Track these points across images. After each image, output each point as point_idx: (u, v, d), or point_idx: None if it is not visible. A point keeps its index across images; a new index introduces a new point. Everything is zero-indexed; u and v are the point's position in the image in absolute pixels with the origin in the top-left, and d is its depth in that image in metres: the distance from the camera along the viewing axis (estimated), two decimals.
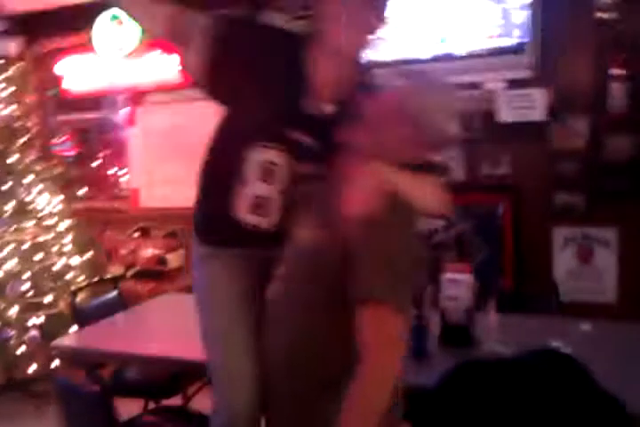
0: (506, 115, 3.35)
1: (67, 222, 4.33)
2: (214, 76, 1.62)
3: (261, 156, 1.62)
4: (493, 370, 1.69)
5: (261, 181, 1.64)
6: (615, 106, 3.31)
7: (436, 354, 2.21)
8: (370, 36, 1.59)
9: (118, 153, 4.92)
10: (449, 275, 2.36)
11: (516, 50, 3.36)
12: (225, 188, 1.67)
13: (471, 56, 3.46)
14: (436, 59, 3.54)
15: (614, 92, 3.30)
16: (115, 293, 3.39)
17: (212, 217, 1.75)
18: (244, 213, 1.67)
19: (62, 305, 4.06)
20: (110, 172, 4.96)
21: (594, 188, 3.40)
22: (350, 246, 1.39)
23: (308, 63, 1.60)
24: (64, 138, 5.10)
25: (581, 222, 3.45)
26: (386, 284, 1.36)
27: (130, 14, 1.81)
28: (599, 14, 3.31)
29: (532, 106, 3.31)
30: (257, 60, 1.59)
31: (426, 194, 1.53)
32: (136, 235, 4.74)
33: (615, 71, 3.29)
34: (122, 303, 3.32)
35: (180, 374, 2.96)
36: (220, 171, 1.70)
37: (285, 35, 1.66)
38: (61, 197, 4.38)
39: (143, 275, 4.63)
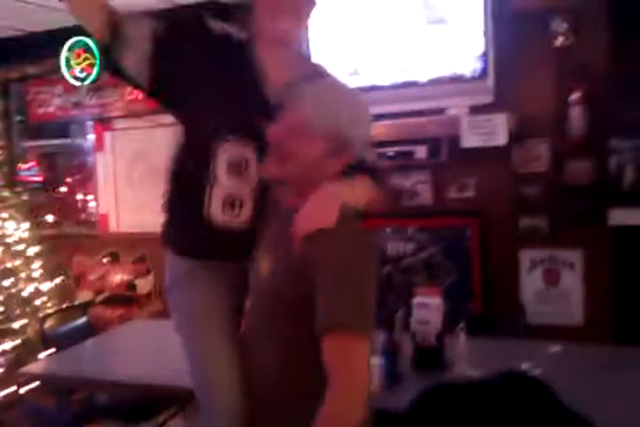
0: (469, 140, 3.42)
1: (35, 248, 4.30)
2: (164, 82, 1.62)
3: (230, 151, 1.60)
4: (463, 393, 1.72)
5: (232, 178, 1.62)
6: (575, 130, 3.40)
7: (409, 377, 2.24)
8: (304, 20, 1.65)
9: (86, 178, 4.90)
10: (419, 298, 2.40)
11: (477, 76, 3.44)
12: (196, 190, 1.64)
13: (433, 83, 3.54)
14: (397, 86, 3.61)
15: (574, 116, 3.39)
16: (84, 319, 3.37)
17: (185, 224, 1.71)
18: (216, 212, 1.63)
19: (31, 332, 4.01)
20: (78, 197, 4.93)
21: (557, 210, 3.48)
22: (312, 274, 1.37)
23: (255, 56, 1.65)
24: (30, 164, 5.07)
25: (547, 245, 3.52)
26: (354, 311, 1.35)
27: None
28: (556, 40, 3.42)
29: (495, 131, 3.38)
30: (208, 60, 1.62)
31: (357, 197, 1.54)
32: (105, 260, 4.71)
33: (574, 96, 3.39)
34: (91, 329, 3.30)
35: (152, 400, 2.94)
36: (189, 174, 1.67)
37: (229, 33, 1.68)
38: (28, 223, 4.34)
39: (112, 300, 4.60)
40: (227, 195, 1.63)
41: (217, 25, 1.69)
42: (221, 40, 1.66)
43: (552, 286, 3.53)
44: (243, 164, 1.61)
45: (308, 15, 1.66)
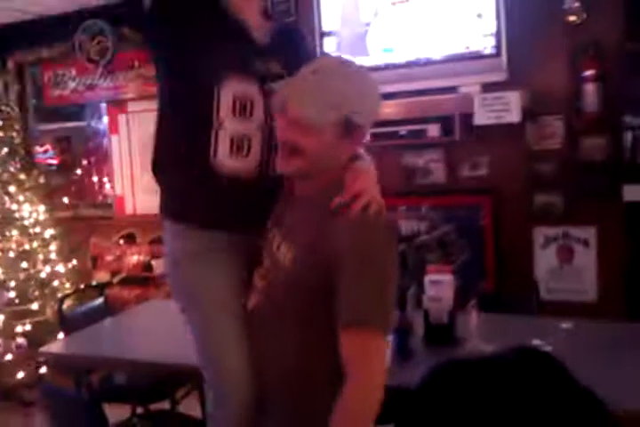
0: (482, 118, 3.40)
1: (51, 231, 4.35)
2: (172, 14, 1.59)
3: (233, 88, 1.56)
4: (474, 368, 1.73)
5: (237, 118, 1.57)
6: (589, 107, 3.37)
7: (421, 353, 2.26)
8: None
9: (101, 161, 4.93)
10: (431, 276, 2.41)
11: (490, 54, 3.42)
12: (199, 137, 1.58)
13: (445, 61, 3.52)
14: (410, 64, 3.60)
15: (587, 93, 3.36)
16: (101, 299, 3.40)
17: (191, 181, 1.63)
18: (223, 156, 1.58)
19: (49, 313, 4.08)
20: (94, 179, 4.97)
21: (571, 187, 3.46)
22: (336, 266, 1.36)
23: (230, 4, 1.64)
24: (46, 147, 5.11)
25: (561, 222, 3.51)
26: (375, 308, 1.36)
27: None
28: (569, 17, 3.38)
29: (508, 108, 3.36)
30: (203, 10, 1.61)
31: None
32: (121, 242, 4.75)
33: (588, 73, 3.35)
34: (108, 310, 3.34)
35: (168, 379, 2.98)
36: (188, 122, 1.61)
37: None
38: (44, 206, 4.39)
39: (129, 281, 4.65)
40: (233, 135, 1.58)
41: None
42: None
43: (566, 262, 3.52)
44: (248, 102, 1.57)
45: None
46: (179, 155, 1.65)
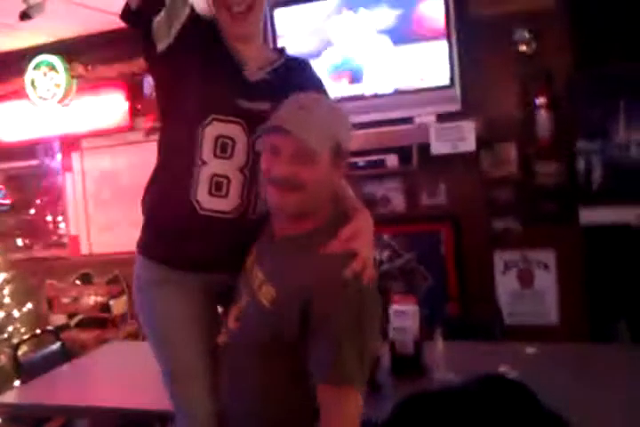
0: (439, 147, 3.45)
1: (4, 274, 4.22)
2: (174, 51, 1.59)
3: (216, 130, 1.58)
4: (441, 400, 1.71)
5: (218, 158, 1.58)
6: (542, 133, 3.45)
7: (388, 386, 2.23)
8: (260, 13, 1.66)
9: (55, 200, 4.84)
10: (396, 307, 2.39)
11: (443, 85, 3.48)
12: (181, 174, 1.59)
13: (400, 92, 3.58)
14: (366, 97, 3.65)
15: (540, 120, 3.44)
16: (58, 344, 3.30)
17: (168, 218, 1.64)
18: (202, 195, 1.58)
19: (3, 360, 3.93)
20: (48, 219, 4.87)
21: (528, 212, 3.52)
22: (318, 319, 1.37)
23: (226, 41, 1.65)
24: None
25: (520, 246, 3.55)
26: (357, 369, 1.37)
27: None
28: (520, 47, 3.47)
29: (463, 137, 3.42)
30: (204, 48, 1.62)
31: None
32: (78, 282, 4.64)
33: (540, 100, 3.43)
34: (66, 354, 3.23)
35: (130, 425, 2.88)
36: (173, 161, 1.64)
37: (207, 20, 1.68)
38: None
39: (87, 323, 4.54)
40: (213, 174, 1.58)
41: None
42: (208, 25, 1.66)
43: (527, 286, 3.56)
44: (229, 142, 1.58)
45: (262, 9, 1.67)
46: (161, 190, 1.68)
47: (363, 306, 1.39)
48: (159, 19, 1.55)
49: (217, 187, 1.59)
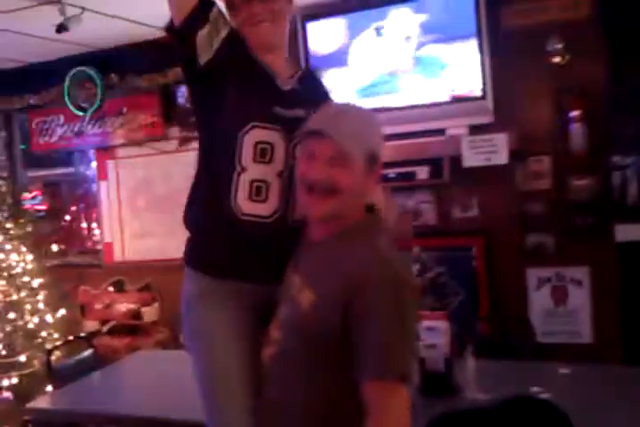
0: (471, 160, 3.43)
1: (40, 280, 4.29)
2: (214, 66, 1.64)
3: (256, 137, 1.62)
4: (472, 420, 1.70)
5: (257, 164, 1.62)
6: (576, 147, 3.40)
7: (417, 405, 2.20)
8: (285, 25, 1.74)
9: (90, 207, 4.91)
10: (426, 323, 2.37)
11: (476, 97, 3.46)
12: (222, 180, 1.63)
13: (433, 104, 3.57)
14: (399, 107, 3.64)
15: (574, 133, 3.39)
16: (90, 351, 3.34)
17: (211, 226, 1.68)
18: (242, 200, 1.62)
19: (36, 365, 3.99)
20: (83, 226, 4.94)
21: (562, 227, 3.46)
22: (359, 317, 1.38)
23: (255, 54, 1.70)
24: (35, 193, 5.09)
25: (553, 262, 3.50)
26: (401, 363, 1.38)
27: None
28: (553, 59, 3.43)
29: (495, 150, 3.39)
30: (240, 61, 1.68)
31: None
32: (110, 289, 4.69)
33: (573, 114, 3.39)
34: (97, 361, 3.27)
35: None
36: (215, 171, 1.67)
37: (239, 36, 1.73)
38: (33, 254, 4.34)
39: (119, 330, 4.57)
40: (252, 180, 1.62)
41: None
42: (240, 40, 1.72)
43: (560, 303, 3.50)
44: (268, 148, 1.63)
45: (287, 20, 1.74)
46: (203, 198, 1.71)
47: (403, 301, 1.39)
48: (202, 34, 1.59)
49: (257, 192, 1.63)
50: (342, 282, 1.40)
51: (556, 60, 3.42)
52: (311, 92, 1.75)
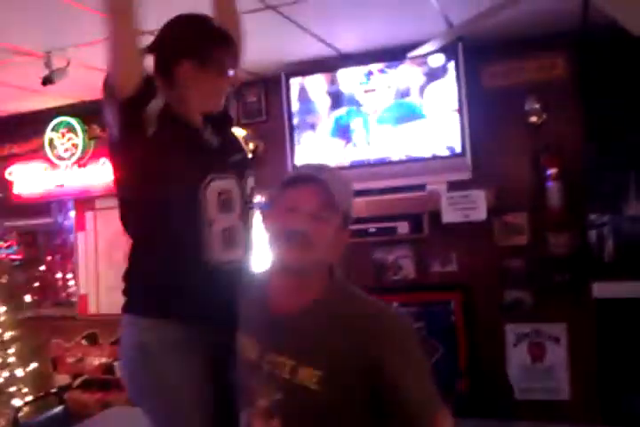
0: (450, 216, 3.46)
1: (11, 333, 4.19)
2: (158, 139, 1.67)
3: (216, 188, 1.66)
4: None
5: (223, 213, 1.67)
6: (553, 203, 3.45)
7: None
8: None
9: (66, 258, 4.85)
10: None
11: (455, 154, 3.52)
12: (189, 238, 1.65)
13: (412, 160, 3.62)
14: (378, 163, 3.69)
15: (551, 190, 3.45)
16: (60, 407, 3.24)
17: (179, 277, 1.65)
18: (218, 252, 1.65)
19: (2, 422, 3.86)
20: (57, 276, 4.87)
21: (540, 283, 3.48)
22: (379, 370, 1.35)
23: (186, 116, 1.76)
24: (9, 243, 5.03)
25: (531, 318, 3.50)
26: (433, 393, 1.39)
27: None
28: (530, 118, 3.52)
29: (474, 206, 3.43)
30: (177, 124, 1.74)
31: None
32: (84, 342, 4.59)
33: (550, 171, 3.45)
34: (68, 417, 3.17)
35: None
36: (176, 227, 1.65)
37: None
38: (6, 306, 4.26)
39: (91, 384, 4.46)
40: (224, 229, 1.67)
41: None
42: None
43: (538, 360, 3.49)
44: (229, 197, 1.69)
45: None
46: (164, 255, 1.68)
47: (410, 339, 1.44)
48: (150, 108, 1.66)
49: (230, 239, 1.68)
50: (354, 346, 1.36)
51: (534, 119, 3.51)
52: (221, 130, 1.83)
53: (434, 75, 3.58)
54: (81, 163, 4.62)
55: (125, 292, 1.75)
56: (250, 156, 1.93)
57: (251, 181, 1.78)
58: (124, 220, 1.76)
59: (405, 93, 3.64)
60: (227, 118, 1.90)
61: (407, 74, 3.63)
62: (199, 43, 1.72)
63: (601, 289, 3.24)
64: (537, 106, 3.51)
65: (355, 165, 3.69)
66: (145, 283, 1.72)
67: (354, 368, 1.35)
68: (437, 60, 3.54)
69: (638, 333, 3.24)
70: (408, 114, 3.63)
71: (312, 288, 1.46)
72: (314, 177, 1.44)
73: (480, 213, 3.43)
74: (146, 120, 1.64)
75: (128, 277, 1.75)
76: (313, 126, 3.86)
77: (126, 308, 1.73)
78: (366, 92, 3.72)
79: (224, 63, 1.74)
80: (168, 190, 1.68)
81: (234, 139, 1.89)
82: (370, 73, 3.71)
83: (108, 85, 1.65)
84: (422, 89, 3.60)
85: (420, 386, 1.36)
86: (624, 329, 3.27)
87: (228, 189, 1.68)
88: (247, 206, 1.74)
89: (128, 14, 1.61)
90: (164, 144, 1.67)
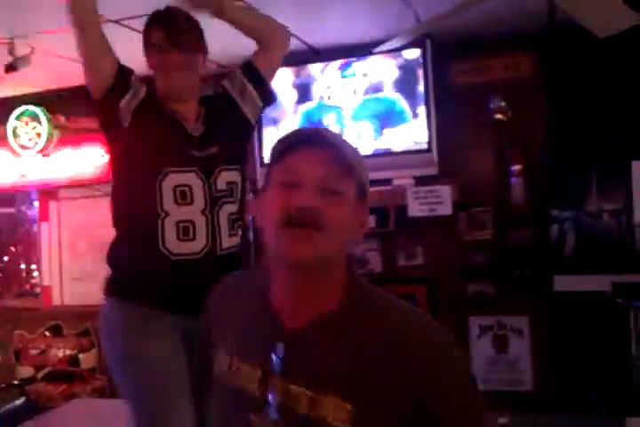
0: (416, 210, 3.51)
1: None
2: (133, 129, 1.79)
3: (173, 181, 1.73)
4: None
5: (180, 206, 1.73)
6: (517, 199, 3.52)
7: None
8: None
9: (30, 249, 4.79)
10: None
11: (422, 149, 3.56)
12: (148, 226, 1.73)
13: (380, 154, 3.65)
14: None
15: (515, 187, 3.52)
16: (22, 399, 3.22)
17: (140, 265, 1.76)
18: (171, 242, 1.72)
19: None
20: (21, 268, 4.80)
21: (502, 277, 3.55)
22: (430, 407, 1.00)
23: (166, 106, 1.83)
24: None
25: (494, 311, 3.57)
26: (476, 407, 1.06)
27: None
28: (496, 115, 3.57)
29: (440, 201, 3.49)
30: (154, 115, 1.82)
31: None
32: (47, 334, 4.54)
33: (515, 168, 3.52)
34: (30, 410, 3.15)
35: None
36: (135, 214, 1.78)
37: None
38: None
39: (54, 376, 4.42)
40: (178, 221, 1.72)
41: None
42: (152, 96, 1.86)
43: (502, 352, 3.56)
44: (187, 190, 1.73)
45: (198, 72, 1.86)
46: (130, 246, 1.80)
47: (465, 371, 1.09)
48: (124, 102, 1.77)
49: (184, 232, 1.73)
50: (396, 378, 0.99)
51: (499, 116, 3.57)
52: (219, 121, 1.86)
53: (406, 70, 3.61)
54: (45, 152, 4.54)
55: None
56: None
57: (228, 176, 1.80)
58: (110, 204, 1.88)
59: (378, 88, 3.66)
60: (229, 101, 1.93)
61: (380, 68, 3.65)
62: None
63: (562, 283, 3.32)
64: (503, 104, 3.56)
65: None
66: (115, 265, 1.84)
67: (393, 406, 1.00)
68: (412, 53, 3.57)
69: (595, 325, 3.33)
70: (386, 111, 3.66)
71: (330, 291, 1.09)
72: (317, 137, 1.07)
73: (445, 208, 3.48)
74: (120, 114, 1.76)
75: (108, 255, 1.87)
76: (275, 121, 3.85)
77: (104, 288, 1.86)
78: (339, 86, 3.74)
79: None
80: (130, 179, 1.82)
81: (221, 129, 1.86)
82: (341, 67, 3.73)
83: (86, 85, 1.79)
84: (395, 84, 3.63)
85: (469, 409, 1.04)
86: (582, 322, 3.36)
87: (186, 184, 1.73)
88: (219, 201, 1.77)
89: (93, 27, 1.75)
90: (137, 135, 1.78)
